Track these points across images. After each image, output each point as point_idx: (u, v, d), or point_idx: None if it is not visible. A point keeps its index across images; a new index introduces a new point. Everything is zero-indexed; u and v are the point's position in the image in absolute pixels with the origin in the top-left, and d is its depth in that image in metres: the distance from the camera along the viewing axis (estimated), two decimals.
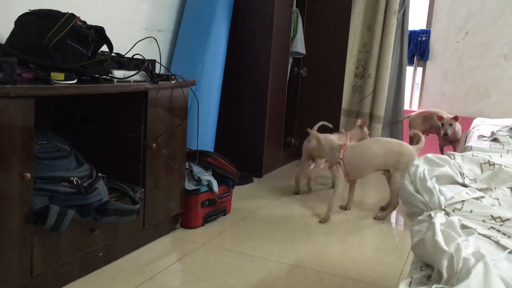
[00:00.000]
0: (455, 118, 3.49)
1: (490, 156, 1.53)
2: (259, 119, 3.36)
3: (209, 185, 2.45)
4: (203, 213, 2.45)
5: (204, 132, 3.07)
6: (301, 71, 3.88)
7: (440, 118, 3.51)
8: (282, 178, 3.51)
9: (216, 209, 2.54)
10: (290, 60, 3.76)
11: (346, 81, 4.05)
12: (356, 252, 2.26)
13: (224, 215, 2.62)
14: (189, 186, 2.40)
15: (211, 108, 3.15)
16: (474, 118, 3.80)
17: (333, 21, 3.75)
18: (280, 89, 3.52)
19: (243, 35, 3.33)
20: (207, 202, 2.45)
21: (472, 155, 1.51)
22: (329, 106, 3.88)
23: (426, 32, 4.34)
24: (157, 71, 2.15)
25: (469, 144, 2.51)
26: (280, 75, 3.48)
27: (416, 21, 4.44)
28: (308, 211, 2.81)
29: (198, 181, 2.43)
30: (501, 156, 1.57)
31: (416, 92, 4.64)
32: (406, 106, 4.38)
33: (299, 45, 3.69)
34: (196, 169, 2.45)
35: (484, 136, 2.66)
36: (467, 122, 3.92)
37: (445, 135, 3.47)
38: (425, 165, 1.38)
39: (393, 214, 2.84)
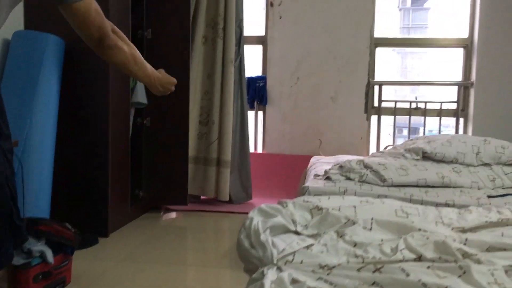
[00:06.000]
0: None
1: (319, 200, 1.61)
2: (100, 174, 3.16)
3: (42, 256, 2.19)
4: None
5: (36, 196, 2.77)
6: (145, 121, 3.79)
7: None
8: (131, 235, 3.32)
9: (53, 281, 2.27)
10: (132, 111, 3.65)
11: (191, 129, 4.06)
12: None
13: (63, 286, 2.36)
14: (18, 260, 2.11)
15: (44, 166, 2.87)
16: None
17: (172, 70, 3.72)
18: (122, 140, 3.38)
19: (77, 86, 3.15)
20: (40, 276, 2.18)
21: (303, 201, 1.58)
22: (176, 154, 3.85)
23: (263, 78, 4.60)
24: None
25: (306, 184, 2.65)
26: (120, 126, 3.35)
27: (253, 68, 4.70)
28: (159, 267, 2.67)
29: (28, 253, 2.16)
30: (328, 198, 1.66)
31: (260, 134, 4.85)
32: (251, 149, 4.54)
33: (140, 95, 3.60)
34: None
35: (319, 175, 2.84)
36: (306, 161, 4.19)
37: None
38: (259, 216, 1.39)
39: None
